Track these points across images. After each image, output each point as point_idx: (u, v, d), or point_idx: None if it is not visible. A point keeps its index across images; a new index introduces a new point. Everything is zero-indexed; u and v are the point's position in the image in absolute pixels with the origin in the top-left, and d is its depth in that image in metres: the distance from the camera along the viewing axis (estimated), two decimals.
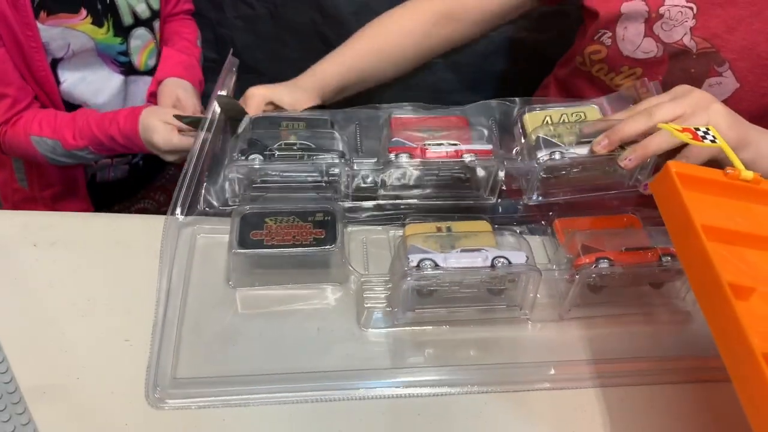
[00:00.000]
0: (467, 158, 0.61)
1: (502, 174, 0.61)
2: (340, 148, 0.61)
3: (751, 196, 0.46)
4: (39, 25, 0.80)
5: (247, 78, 0.77)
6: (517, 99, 0.67)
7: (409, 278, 0.50)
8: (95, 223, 0.63)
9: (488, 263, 0.52)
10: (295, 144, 0.61)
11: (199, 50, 0.97)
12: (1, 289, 0.55)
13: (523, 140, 0.65)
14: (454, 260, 0.51)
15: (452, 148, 0.62)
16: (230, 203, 0.60)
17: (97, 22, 0.84)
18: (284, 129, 0.64)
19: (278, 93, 0.68)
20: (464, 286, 0.53)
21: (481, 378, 0.50)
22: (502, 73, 1.09)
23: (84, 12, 0.82)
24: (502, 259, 0.52)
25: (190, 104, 0.83)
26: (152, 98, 0.88)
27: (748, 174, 0.46)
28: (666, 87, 0.66)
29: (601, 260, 0.53)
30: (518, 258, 0.52)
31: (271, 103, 0.68)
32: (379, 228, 0.62)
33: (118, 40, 0.86)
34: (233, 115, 0.65)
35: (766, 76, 0.68)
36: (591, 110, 0.67)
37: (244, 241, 0.54)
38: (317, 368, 0.50)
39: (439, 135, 0.64)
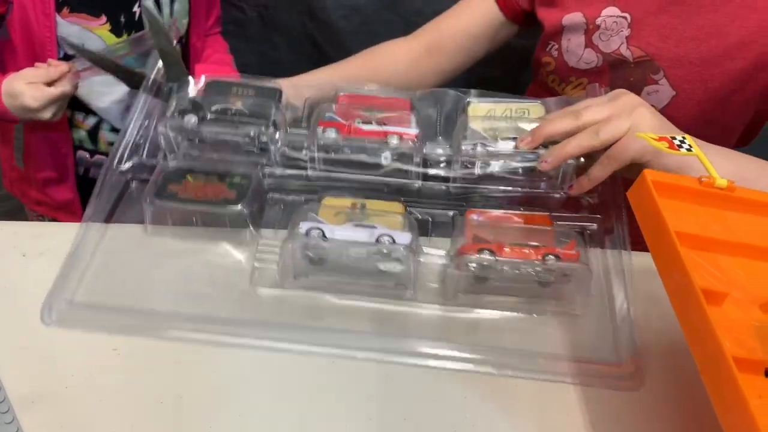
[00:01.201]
0: (391, 140, 0.63)
1: (418, 159, 0.63)
2: (273, 117, 0.65)
3: (726, 203, 0.47)
4: (59, 19, 0.84)
5: None
6: (471, 90, 0.69)
7: (290, 243, 0.53)
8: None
9: (372, 239, 0.54)
10: (231, 109, 0.64)
11: (230, 57, 1.01)
12: None
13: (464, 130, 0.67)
14: (341, 232, 0.54)
15: (379, 128, 0.64)
16: (166, 158, 0.65)
17: (116, 31, 0.88)
18: (233, 95, 0.67)
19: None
20: (352, 259, 0.56)
21: (354, 343, 0.53)
22: (492, 80, 1.10)
23: (104, 18, 0.86)
24: (386, 237, 0.54)
25: None
26: None
27: (723, 182, 0.47)
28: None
29: (484, 251, 0.54)
30: (403, 238, 0.54)
31: None
32: (302, 198, 0.65)
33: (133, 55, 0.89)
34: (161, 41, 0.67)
35: (701, 84, 0.68)
36: (535, 107, 0.68)
37: (159, 192, 0.58)
38: (208, 313, 0.54)
39: (378, 116, 0.66)
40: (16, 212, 1.09)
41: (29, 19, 0.83)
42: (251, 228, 0.59)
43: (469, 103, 0.68)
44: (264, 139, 0.64)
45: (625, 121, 0.56)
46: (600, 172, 0.57)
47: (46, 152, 0.94)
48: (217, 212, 0.58)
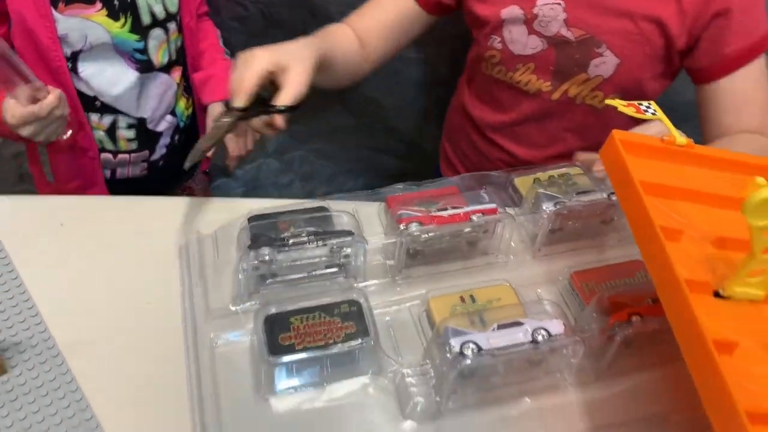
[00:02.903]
0: (475, 218, 0.61)
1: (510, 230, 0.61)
2: (347, 228, 0.60)
3: (685, 159, 0.53)
4: (57, 16, 0.83)
5: None
6: (491, 173, 0.72)
7: (458, 364, 0.49)
8: (116, 205, 0.71)
9: (528, 337, 0.51)
10: (302, 232, 0.59)
11: (222, 50, 1.02)
12: (33, 260, 0.62)
13: (519, 200, 0.67)
14: (496, 339, 0.51)
15: (457, 211, 0.62)
16: (241, 303, 0.58)
17: (113, 15, 0.87)
18: (282, 222, 0.62)
19: (284, 58, 0.63)
20: (504, 363, 0.53)
21: None
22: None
23: (99, 4, 0.85)
24: (542, 331, 0.51)
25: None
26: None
27: (682, 140, 0.53)
28: (558, 74, 0.82)
29: (633, 315, 0.53)
30: (556, 327, 0.52)
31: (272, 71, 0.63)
32: (400, 306, 0.60)
33: (135, 37, 0.89)
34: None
35: (639, 48, 0.78)
36: (573, 169, 0.70)
37: (275, 348, 0.51)
38: None
39: (438, 205, 0.63)
40: None
41: (28, 24, 0.82)
42: (388, 357, 0.54)
43: (513, 178, 0.70)
44: (348, 251, 0.59)
45: None
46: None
47: (70, 161, 0.94)
48: (347, 350, 0.52)
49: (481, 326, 0.53)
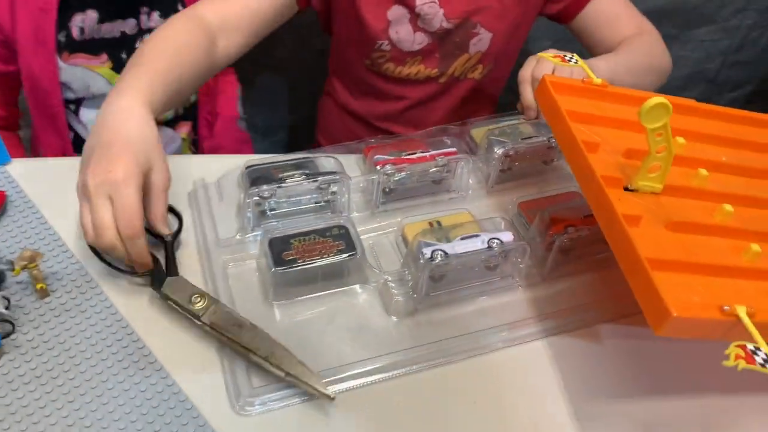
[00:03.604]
0: (439, 159, 0.73)
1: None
2: (334, 169, 0.71)
3: (601, 96, 0.68)
4: (61, 64, 0.85)
5: None
6: (449, 125, 0.82)
7: (429, 267, 0.61)
8: None
9: (485, 245, 0.64)
10: (295, 173, 0.70)
11: (237, 116, 1.05)
12: (62, 211, 0.68)
13: (475, 147, 0.79)
14: (459, 247, 0.63)
15: (424, 154, 0.74)
16: (246, 234, 0.68)
17: (118, 69, 0.88)
18: (275, 168, 0.72)
19: (141, 180, 0.59)
20: (467, 267, 0.65)
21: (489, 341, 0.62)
22: None
23: (105, 56, 0.87)
24: (496, 240, 0.64)
25: None
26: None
27: (598, 81, 0.67)
28: (443, 59, 0.94)
29: (569, 227, 0.66)
30: (507, 237, 0.64)
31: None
32: (380, 233, 0.72)
33: None
34: None
35: (501, 21, 0.93)
36: (520, 122, 0.82)
37: (279, 262, 0.62)
38: (362, 356, 0.60)
39: (407, 151, 0.75)
40: None
41: (34, 67, 0.85)
42: (373, 267, 0.65)
43: (469, 129, 0.82)
44: (334, 189, 0.70)
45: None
46: (528, 93, 0.77)
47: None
48: (339, 263, 0.63)
49: (446, 242, 0.65)
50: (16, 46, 0.87)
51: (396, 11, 0.90)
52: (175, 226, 0.68)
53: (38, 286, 0.61)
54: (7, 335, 0.58)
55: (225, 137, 1.05)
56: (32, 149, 1.05)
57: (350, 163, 0.78)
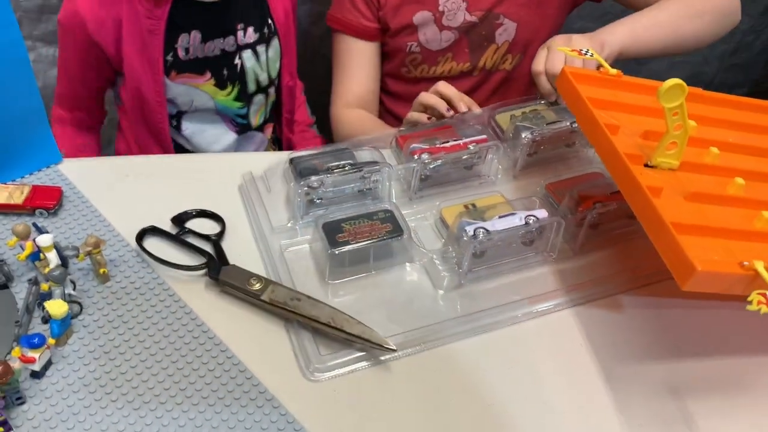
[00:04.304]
0: (471, 147, 0.78)
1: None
2: (374, 159, 0.77)
3: (616, 85, 0.74)
4: (168, 82, 0.91)
5: None
6: (474, 112, 0.87)
7: (473, 244, 0.67)
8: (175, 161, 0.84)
9: (523, 221, 0.69)
10: (338, 165, 0.75)
11: (310, 121, 1.12)
12: (115, 206, 0.74)
13: (501, 132, 0.84)
14: (499, 225, 0.69)
15: (457, 142, 0.79)
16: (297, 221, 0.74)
17: (220, 85, 0.94)
18: (317, 160, 0.77)
19: None
20: (506, 243, 0.70)
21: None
22: None
23: (208, 74, 0.92)
24: (532, 217, 0.69)
25: None
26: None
27: (613, 71, 0.74)
28: (473, 53, 1.01)
29: (597, 203, 0.72)
30: (542, 214, 0.70)
31: None
32: (419, 216, 0.77)
33: (238, 104, 0.97)
34: None
35: (525, 9, 0.99)
36: (541, 106, 0.88)
37: (334, 243, 0.68)
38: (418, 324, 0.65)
39: (440, 139, 0.80)
40: None
41: (141, 84, 0.90)
42: (419, 247, 0.71)
43: (494, 115, 0.87)
44: (377, 178, 0.76)
45: (574, 45, 0.80)
46: (545, 83, 0.83)
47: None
48: (388, 243, 0.69)
49: (483, 222, 0.70)
50: (122, 66, 0.90)
51: (422, 15, 0.96)
52: (217, 228, 0.73)
53: (101, 270, 0.66)
54: (75, 316, 0.63)
55: (303, 143, 1.11)
56: (116, 151, 1.09)
57: (384, 153, 0.83)
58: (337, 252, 0.67)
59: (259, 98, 1.02)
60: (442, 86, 0.86)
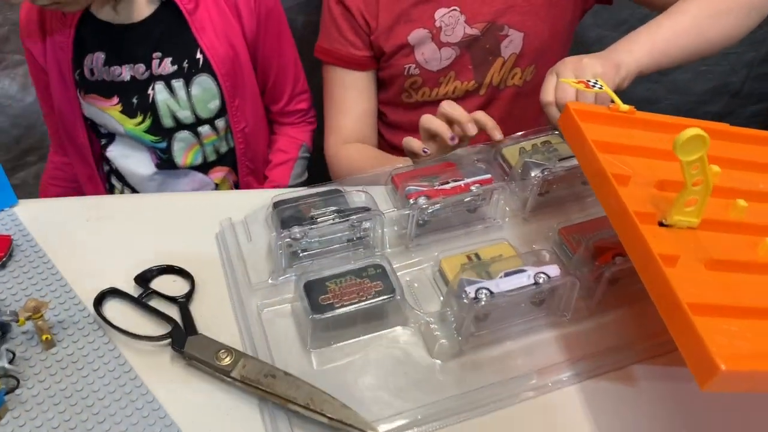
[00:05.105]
0: (474, 189, 0.70)
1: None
2: (363, 205, 0.68)
3: (628, 123, 0.64)
4: (81, 101, 0.90)
5: None
6: (478, 145, 0.78)
7: (474, 308, 0.58)
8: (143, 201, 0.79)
9: (531, 280, 0.61)
10: (325, 211, 0.67)
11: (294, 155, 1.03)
12: (70, 255, 0.68)
13: (508, 169, 0.75)
14: (504, 284, 0.60)
15: (459, 183, 0.71)
16: (278, 277, 0.66)
17: (128, 113, 0.90)
18: (303, 205, 0.69)
19: None
20: (513, 304, 0.62)
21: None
22: None
23: (116, 99, 0.89)
24: (542, 275, 0.61)
25: None
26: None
27: (625, 107, 0.63)
28: (477, 69, 0.91)
29: (617, 256, 0.63)
30: (554, 271, 0.61)
31: None
32: (416, 268, 0.69)
33: (153, 138, 0.92)
34: None
35: (531, 17, 0.89)
36: (554, 137, 0.78)
37: (317, 307, 0.59)
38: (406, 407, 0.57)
39: (440, 179, 0.72)
40: None
41: (60, 102, 0.91)
42: (413, 309, 0.62)
43: (500, 149, 0.78)
44: (367, 225, 0.67)
45: (586, 72, 0.69)
46: (556, 114, 0.70)
47: None
48: (378, 305, 0.60)
49: (488, 278, 0.62)
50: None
51: (416, 35, 0.88)
52: (186, 288, 0.65)
53: (44, 337, 0.59)
54: (11, 390, 0.56)
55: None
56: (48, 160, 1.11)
57: (377, 193, 0.75)
58: (318, 318, 0.59)
59: (184, 135, 0.94)
60: (447, 106, 0.74)
